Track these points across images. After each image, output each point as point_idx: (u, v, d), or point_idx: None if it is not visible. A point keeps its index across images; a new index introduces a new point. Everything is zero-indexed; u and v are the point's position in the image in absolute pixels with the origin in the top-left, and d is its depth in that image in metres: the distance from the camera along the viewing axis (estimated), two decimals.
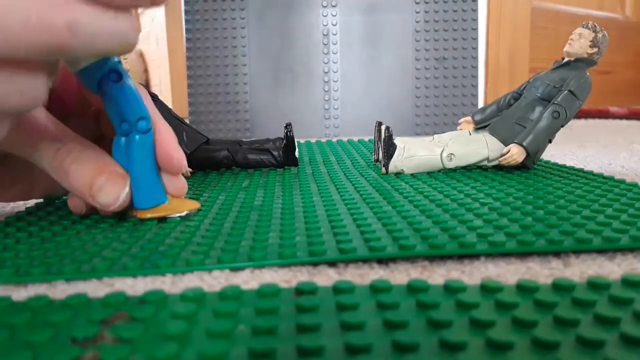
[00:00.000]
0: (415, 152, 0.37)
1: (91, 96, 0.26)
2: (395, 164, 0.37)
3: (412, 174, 0.37)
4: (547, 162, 0.42)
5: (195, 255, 0.20)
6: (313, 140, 0.58)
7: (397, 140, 0.37)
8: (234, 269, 0.20)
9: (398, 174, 0.37)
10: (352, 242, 0.21)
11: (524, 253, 0.21)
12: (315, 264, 0.20)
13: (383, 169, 0.37)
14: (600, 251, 0.21)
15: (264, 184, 0.34)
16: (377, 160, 0.42)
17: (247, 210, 0.27)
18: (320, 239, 0.22)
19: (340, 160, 0.44)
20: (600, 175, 0.35)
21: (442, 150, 0.37)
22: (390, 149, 0.37)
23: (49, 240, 0.22)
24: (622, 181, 0.33)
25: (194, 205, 0.27)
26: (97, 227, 0.24)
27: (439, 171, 0.38)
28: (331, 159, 0.45)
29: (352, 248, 0.20)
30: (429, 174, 0.37)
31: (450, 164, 0.37)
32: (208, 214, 0.27)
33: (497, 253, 0.21)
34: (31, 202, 0.33)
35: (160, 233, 0.23)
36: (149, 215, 0.25)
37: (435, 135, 0.40)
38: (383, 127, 0.37)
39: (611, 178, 0.34)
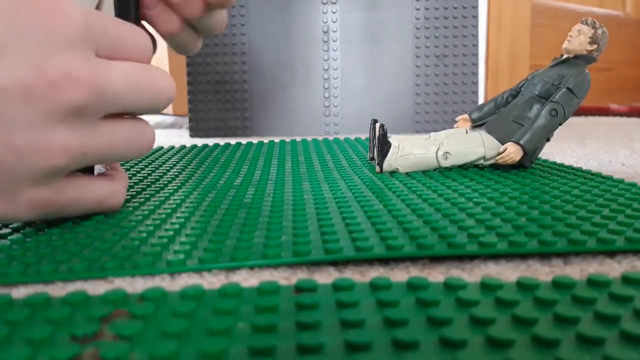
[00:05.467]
0: (410, 151, 0.36)
1: None
2: (390, 162, 0.36)
3: (407, 173, 0.36)
4: (546, 160, 0.42)
5: (176, 254, 0.20)
6: (309, 138, 0.58)
7: (392, 139, 0.37)
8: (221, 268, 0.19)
9: (393, 173, 0.36)
10: (339, 242, 0.21)
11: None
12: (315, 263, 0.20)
13: (377, 168, 0.37)
14: None
15: (255, 182, 0.34)
16: (372, 158, 0.42)
17: (236, 208, 0.27)
18: (307, 238, 0.21)
19: (335, 159, 0.44)
20: (599, 175, 0.35)
21: (438, 149, 0.36)
22: (384, 147, 0.36)
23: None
24: (621, 181, 0.32)
25: None
26: (82, 225, 0.24)
27: (435, 170, 0.37)
28: (326, 157, 0.44)
29: (338, 248, 0.20)
30: (424, 172, 0.36)
31: (446, 163, 0.37)
32: (195, 211, 0.26)
33: (486, 254, 0.20)
34: None
35: (144, 231, 0.23)
36: None
37: (432, 134, 0.39)
38: (377, 125, 0.37)
39: (610, 177, 0.34)
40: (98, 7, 0.26)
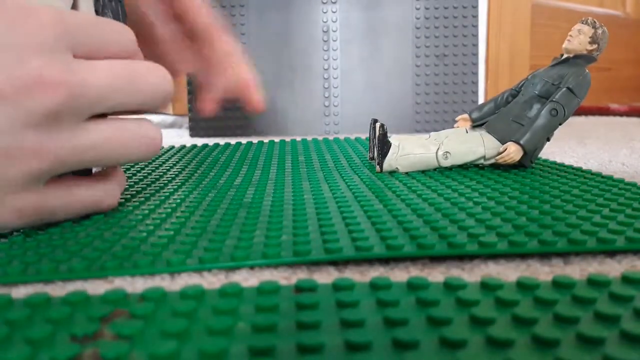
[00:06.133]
0: (410, 150, 0.36)
1: None
2: (390, 162, 0.36)
3: (407, 173, 0.36)
4: (546, 160, 0.42)
5: (176, 254, 0.20)
6: (309, 138, 0.58)
7: (392, 138, 0.37)
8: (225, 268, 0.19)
9: (393, 173, 0.36)
10: (339, 241, 0.21)
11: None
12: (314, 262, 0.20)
13: (377, 168, 0.37)
14: None
15: (255, 182, 0.34)
16: (372, 158, 0.42)
17: (236, 208, 0.27)
18: (307, 238, 0.21)
19: (335, 159, 0.44)
20: (599, 174, 0.35)
21: (438, 149, 0.36)
22: (384, 147, 0.36)
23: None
24: (621, 180, 0.32)
25: None
26: (82, 225, 0.24)
27: (435, 170, 0.37)
28: (326, 157, 0.44)
29: (338, 248, 0.20)
30: (424, 172, 0.36)
31: (446, 163, 0.37)
32: (195, 211, 0.26)
33: (486, 254, 0.20)
34: None
35: (144, 230, 0.23)
36: None
37: (432, 133, 0.39)
38: (377, 125, 0.37)
39: (610, 177, 0.34)
40: (74, 6, 0.26)
